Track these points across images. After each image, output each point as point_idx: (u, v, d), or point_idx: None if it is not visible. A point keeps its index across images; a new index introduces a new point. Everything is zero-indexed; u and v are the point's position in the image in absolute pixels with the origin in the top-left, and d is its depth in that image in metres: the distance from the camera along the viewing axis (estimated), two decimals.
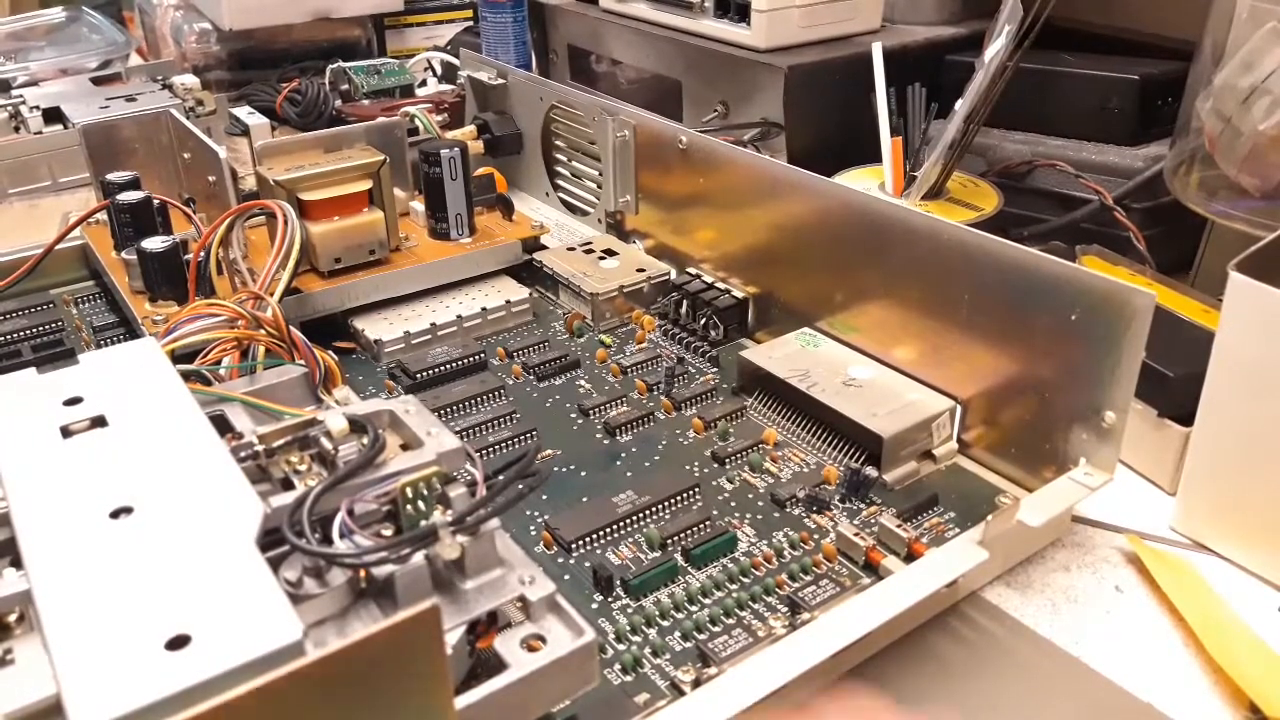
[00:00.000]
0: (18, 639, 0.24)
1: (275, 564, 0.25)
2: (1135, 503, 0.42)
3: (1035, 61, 0.58)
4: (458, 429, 0.44)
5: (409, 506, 0.27)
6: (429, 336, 0.52)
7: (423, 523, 0.27)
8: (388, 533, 0.27)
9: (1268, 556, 0.38)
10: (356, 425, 0.30)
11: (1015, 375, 0.40)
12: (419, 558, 0.26)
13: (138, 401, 0.30)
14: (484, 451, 0.43)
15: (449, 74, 0.91)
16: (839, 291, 0.47)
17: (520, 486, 0.28)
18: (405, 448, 0.30)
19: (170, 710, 0.19)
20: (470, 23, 1.05)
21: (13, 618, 0.25)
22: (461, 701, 0.24)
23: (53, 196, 0.75)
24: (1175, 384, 0.41)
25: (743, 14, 0.66)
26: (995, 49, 0.53)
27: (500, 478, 0.28)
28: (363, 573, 0.26)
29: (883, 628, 0.33)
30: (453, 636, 0.26)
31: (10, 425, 0.29)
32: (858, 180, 0.60)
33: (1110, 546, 0.40)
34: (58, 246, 0.57)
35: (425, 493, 0.27)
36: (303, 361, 0.38)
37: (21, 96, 0.82)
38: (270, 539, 0.26)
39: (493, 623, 0.27)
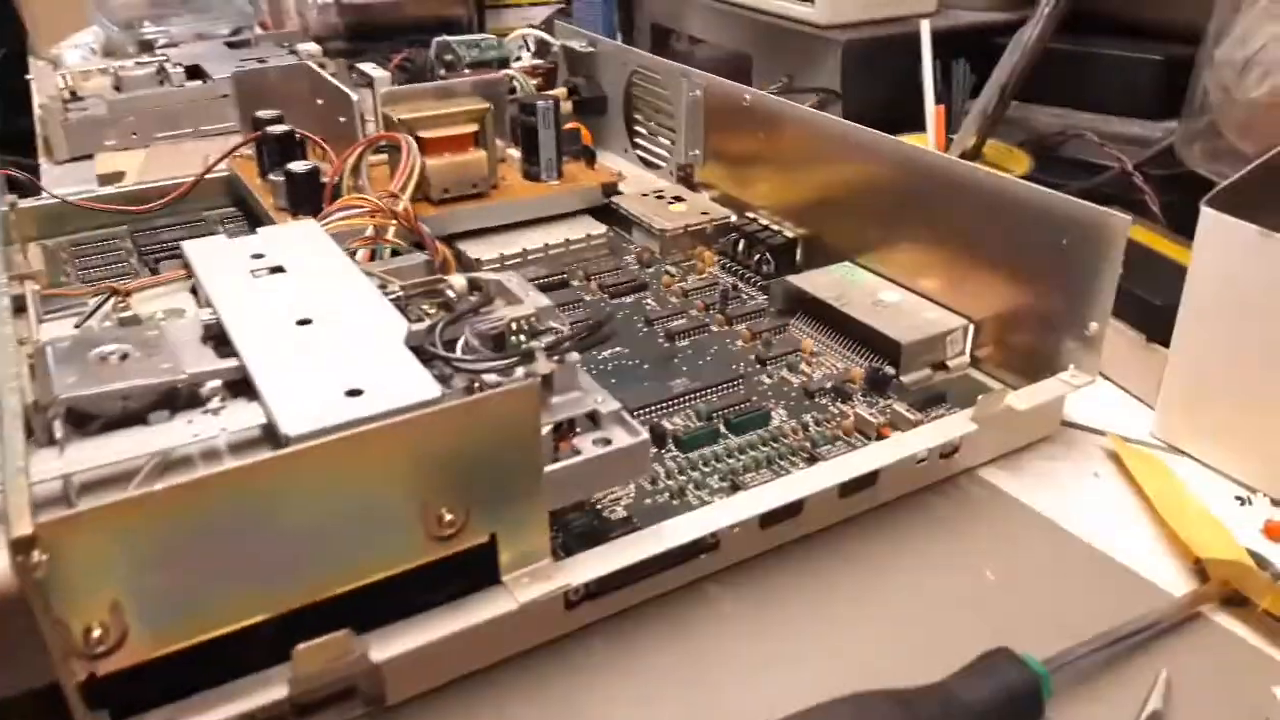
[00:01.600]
0: (224, 401, 0.32)
1: None
2: (1123, 415, 0.49)
3: (1071, 43, 0.64)
4: None
5: (513, 337, 0.35)
6: (520, 261, 0.60)
7: (523, 348, 0.35)
8: None
9: (1230, 454, 0.44)
10: (473, 284, 0.39)
11: (1019, 297, 0.47)
12: (520, 372, 0.34)
13: (306, 258, 0.39)
14: None
15: (542, 51, 1.00)
16: (877, 232, 0.54)
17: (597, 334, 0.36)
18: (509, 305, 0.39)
19: (351, 429, 0.28)
20: (562, 5, 1.14)
21: (218, 397, 0.33)
22: (549, 468, 0.32)
23: (192, 142, 0.86)
24: (1162, 312, 0.47)
25: None
26: (1028, 28, 0.60)
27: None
28: (476, 383, 0.35)
29: (886, 478, 0.40)
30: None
31: (212, 269, 0.38)
32: None
33: (1095, 445, 0.47)
34: (207, 176, 0.67)
35: (526, 328, 0.35)
36: (427, 250, 0.47)
37: (165, 55, 0.93)
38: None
39: (571, 429, 0.35)
